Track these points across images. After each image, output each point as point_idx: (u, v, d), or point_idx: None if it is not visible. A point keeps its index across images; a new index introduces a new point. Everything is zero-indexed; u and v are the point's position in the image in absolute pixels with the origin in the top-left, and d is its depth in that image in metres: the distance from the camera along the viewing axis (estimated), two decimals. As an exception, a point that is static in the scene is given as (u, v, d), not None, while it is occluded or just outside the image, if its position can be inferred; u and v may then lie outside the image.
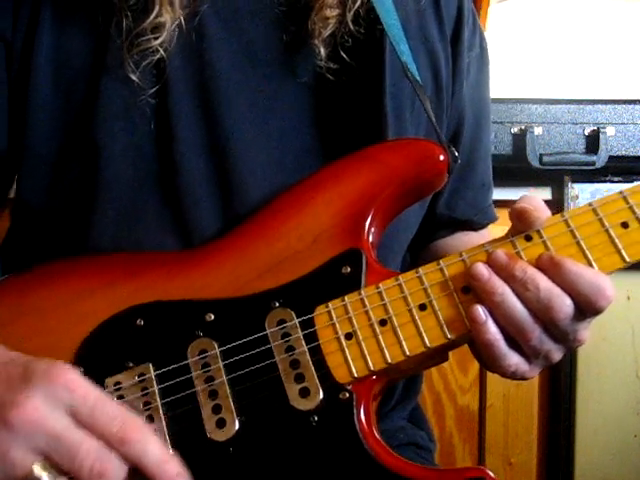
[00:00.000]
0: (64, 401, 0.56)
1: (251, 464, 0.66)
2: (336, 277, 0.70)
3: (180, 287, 0.72)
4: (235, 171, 0.79)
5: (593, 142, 1.66)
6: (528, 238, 0.68)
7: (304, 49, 0.82)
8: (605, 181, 1.67)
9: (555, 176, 1.68)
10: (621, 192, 0.68)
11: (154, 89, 0.77)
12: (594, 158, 1.64)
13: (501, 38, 1.98)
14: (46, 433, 0.55)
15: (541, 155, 1.64)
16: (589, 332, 0.68)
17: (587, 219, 0.68)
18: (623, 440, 1.75)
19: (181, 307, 0.71)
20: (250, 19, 0.82)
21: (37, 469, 0.55)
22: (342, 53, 0.81)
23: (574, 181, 1.68)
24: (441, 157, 0.75)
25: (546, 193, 1.71)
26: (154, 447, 0.57)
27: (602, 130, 1.65)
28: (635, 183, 0.69)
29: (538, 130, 1.66)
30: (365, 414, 0.66)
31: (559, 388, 1.75)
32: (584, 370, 1.74)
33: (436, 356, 0.71)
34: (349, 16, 0.80)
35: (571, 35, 2.01)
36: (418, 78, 0.81)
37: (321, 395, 0.66)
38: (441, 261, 0.69)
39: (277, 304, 0.70)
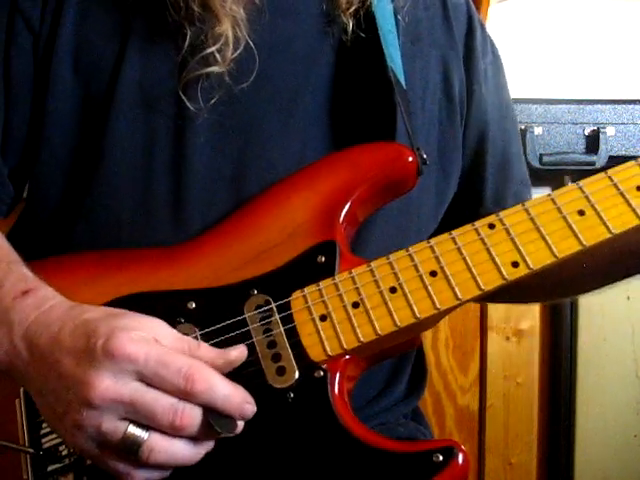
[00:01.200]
0: (129, 370, 0.60)
1: (229, 439, 0.67)
2: (311, 266, 0.74)
3: (163, 279, 0.75)
4: (254, 166, 0.81)
5: (593, 142, 1.66)
6: (491, 226, 0.72)
7: (326, 43, 0.85)
8: (605, 181, 1.67)
9: (555, 176, 1.68)
10: (577, 183, 0.73)
11: (177, 79, 0.80)
12: (594, 158, 1.64)
13: (501, 38, 1.98)
14: (123, 402, 0.60)
15: (541, 155, 1.64)
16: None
17: (546, 208, 0.72)
18: (623, 440, 1.75)
19: (163, 297, 0.74)
20: (276, 12, 0.84)
21: (130, 429, 0.61)
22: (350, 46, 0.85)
23: (574, 181, 1.68)
24: (410, 159, 0.80)
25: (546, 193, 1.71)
26: (220, 388, 0.62)
27: (602, 130, 1.65)
28: None
29: (538, 130, 1.66)
30: (339, 391, 0.69)
31: (559, 388, 1.76)
32: (584, 370, 1.74)
33: (407, 338, 0.75)
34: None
35: (571, 35, 2.01)
36: (402, 82, 0.85)
37: (297, 373, 0.69)
38: (410, 248, 0.73)
39: (255, 291, 0.73)
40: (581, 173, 1.67)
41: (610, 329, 1.73)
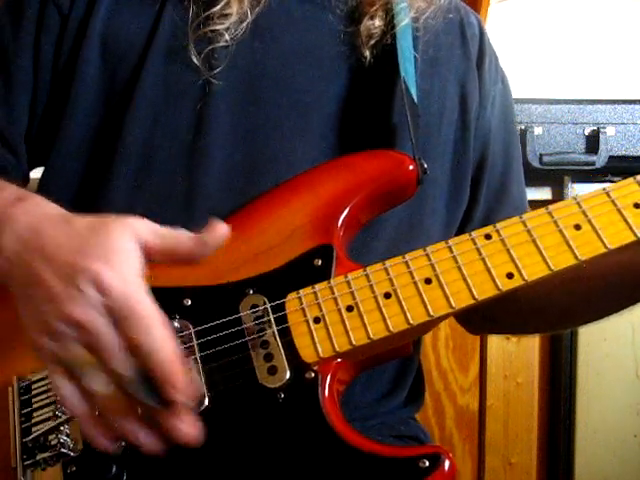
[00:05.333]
0: (102, 304, 0.60)
1: (219, 438, 0.68)
2: (308, 268, 0.75)
3: (160, 275, 0.75)
4: (273, 169, 0.83)
5: (593, 142, 1.66)
6: (488, 237, 0.73)
7: (350, 55, 0.87)
8: (605, 181, 1.67)
9: (555, 176, 1.68)
10: (575, 197, 0.73)
11: (207, 76, 0.82)
12: (594, 158, 1.64)
13: (501, 38, 1.98)
14: (87, 332, 0.59)
15: (541, 155, 1.64)
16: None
17: (543, 220, 0.72)
18: (623, 440, 1.76)
19: (160, 293, 0.73)
20: (303, 23, 0.87)
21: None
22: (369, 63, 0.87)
23: (574, 181, 1.69)
24: (410, 167, 0.81)
25: (546, 193, 1.71)
26: (157, 334, 0.60)
27: (602, 130, 1.65)
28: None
29: (538, 130, 1.66)
30: (329, 393, 0.70)
31: (559, 388, 1.76)
32: (584, 370, 1.74)
33: (399, 344, 0.76)
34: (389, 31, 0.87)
35: (571, 35, 2.01)
36: (414, 96, 0.86)
37: (288, 374, 0.70)
38: (406, 255, 0.73)
39: (251, 291, 0.74)
40: (581, 173, 1.68)
41: (610, 329, 1.73)
